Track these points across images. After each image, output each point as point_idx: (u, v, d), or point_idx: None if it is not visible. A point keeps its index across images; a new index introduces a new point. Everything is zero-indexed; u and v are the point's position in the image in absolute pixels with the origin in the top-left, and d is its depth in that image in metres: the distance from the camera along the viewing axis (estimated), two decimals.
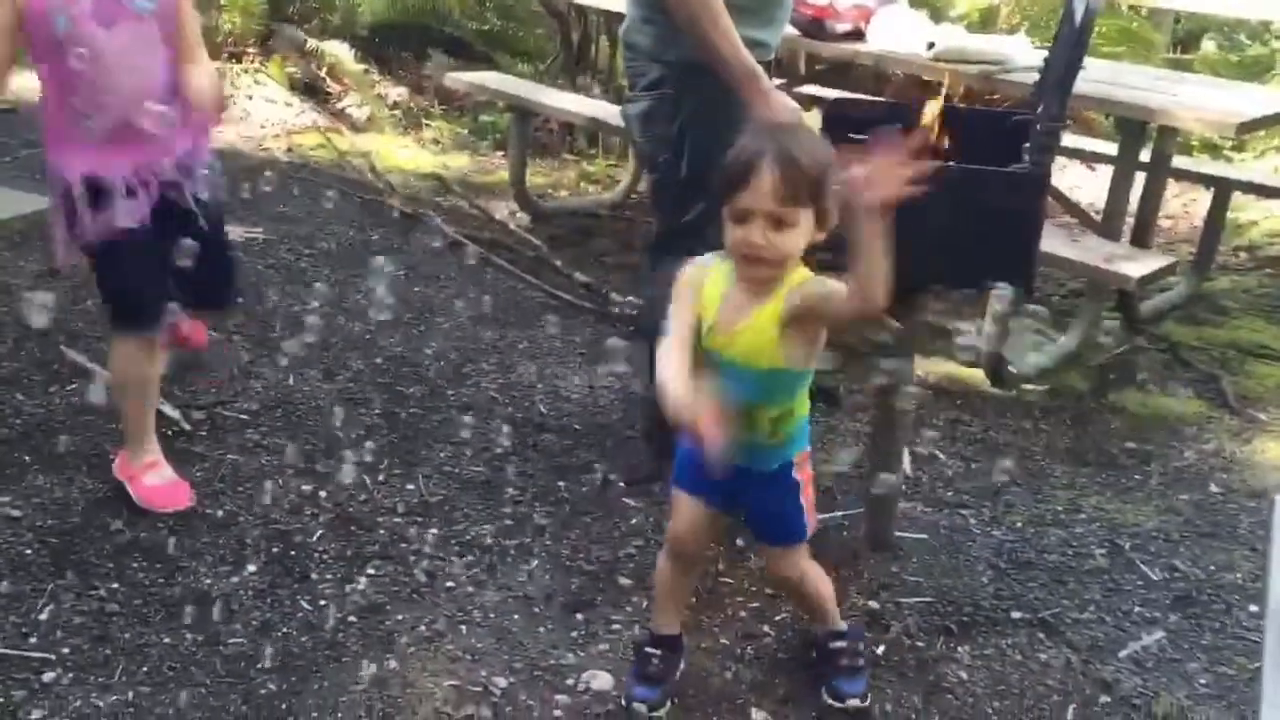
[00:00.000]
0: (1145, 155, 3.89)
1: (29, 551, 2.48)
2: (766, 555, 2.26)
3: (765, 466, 2.06)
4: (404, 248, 4.36)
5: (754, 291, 1.91)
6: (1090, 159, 5.00)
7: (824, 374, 3.47)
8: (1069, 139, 4.72)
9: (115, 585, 2.40)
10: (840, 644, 2.27)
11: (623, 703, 2.19)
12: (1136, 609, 2.58)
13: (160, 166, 2.50)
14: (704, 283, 1.95)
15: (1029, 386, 3.58)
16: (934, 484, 3.04)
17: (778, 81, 2.74)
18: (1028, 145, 2.41)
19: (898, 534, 2.76)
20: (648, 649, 2.23)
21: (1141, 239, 3.85)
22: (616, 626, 2.41)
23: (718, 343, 1.94)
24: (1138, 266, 3.38)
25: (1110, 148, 4.33)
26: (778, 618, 2.47)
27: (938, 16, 6.26)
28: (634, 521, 2.77)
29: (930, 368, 3.60)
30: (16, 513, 2.60)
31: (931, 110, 2.48)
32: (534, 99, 4.80)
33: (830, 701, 2.23)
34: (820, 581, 2.24)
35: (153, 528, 2.58)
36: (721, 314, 1.94)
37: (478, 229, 4.62)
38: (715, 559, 2.61)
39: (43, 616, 2.30)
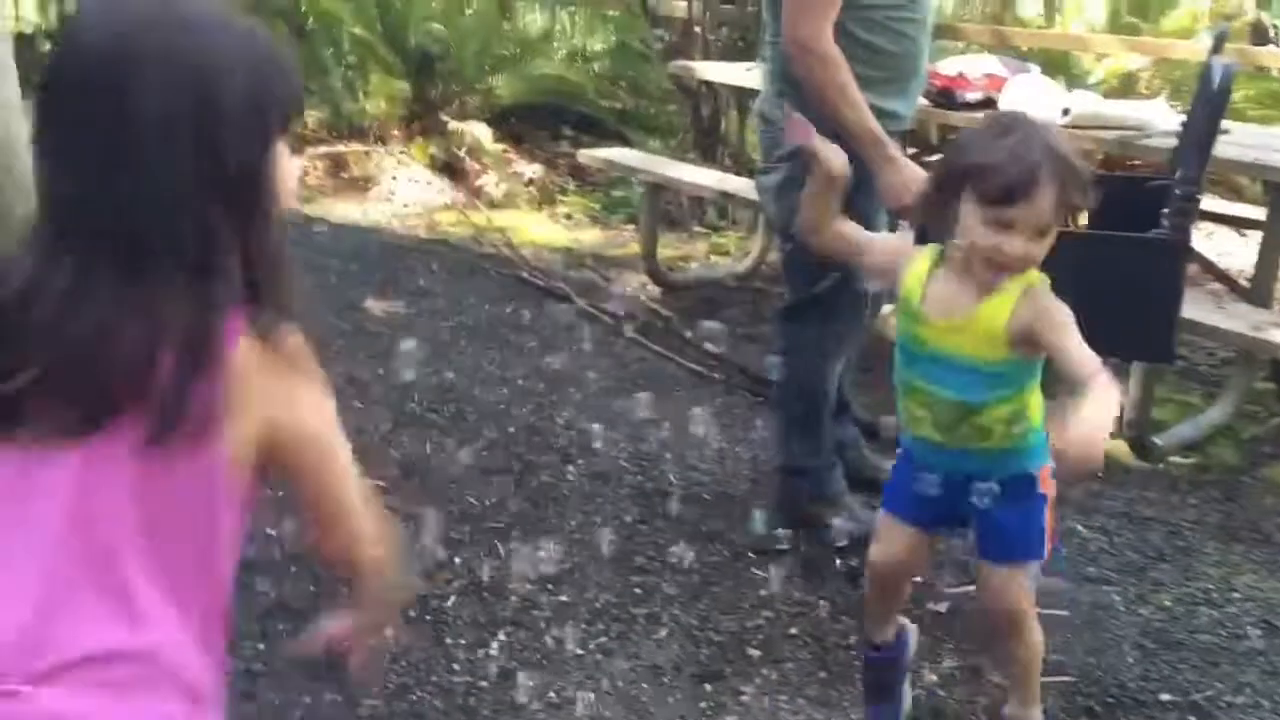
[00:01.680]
0: None
1: None
2: (986, 579, 2.06)
3: (1003, 472, 1.96)
4: (537, 320, 4.47)
5: (976, 285, 1.85)
6: (1240, 224, 4.84)
7: None
8: (1218, 204, 4.59)
9: (261, 646, 2.48)
10: None
11: None
12: None
13: None
14: (913, 264, 1.91)
15: (1175, 459, 3.45)
16: (1075, 559, 2.94)
17: (910, 151, 2.76)
18: (1165, 211, 2.36)
19: (1037, 610, 2.67)
20: (869, 655, 2.22)
21: None
22: (745, 698, 2.39)
23: (926, 331, 1.87)
24: None
25: (1259, 213, 4.18)
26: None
27: (1073, 83, 6.18)
28: (763, 593, 2.75)
29: None
30: None
31: None
32: (665, 173, 4.90)
33: None
34: (1037, 633, 2.10)
35: (296, 591, 2.67)
36: (930, 299, 1.87)
37: (609, 301, 4.70)
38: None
39: None
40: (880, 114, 2.52)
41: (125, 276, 1.04)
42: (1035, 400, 1.95)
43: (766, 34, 2.81)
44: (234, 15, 1.13)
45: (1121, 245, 2.28)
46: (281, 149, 1.14)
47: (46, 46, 9.63)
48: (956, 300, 1.87)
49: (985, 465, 1.97)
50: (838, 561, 2.88)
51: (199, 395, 1.02)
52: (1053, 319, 1.82)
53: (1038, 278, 1.87)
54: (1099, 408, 1.59)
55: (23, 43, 9.17)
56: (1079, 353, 1.75)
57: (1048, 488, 1.98)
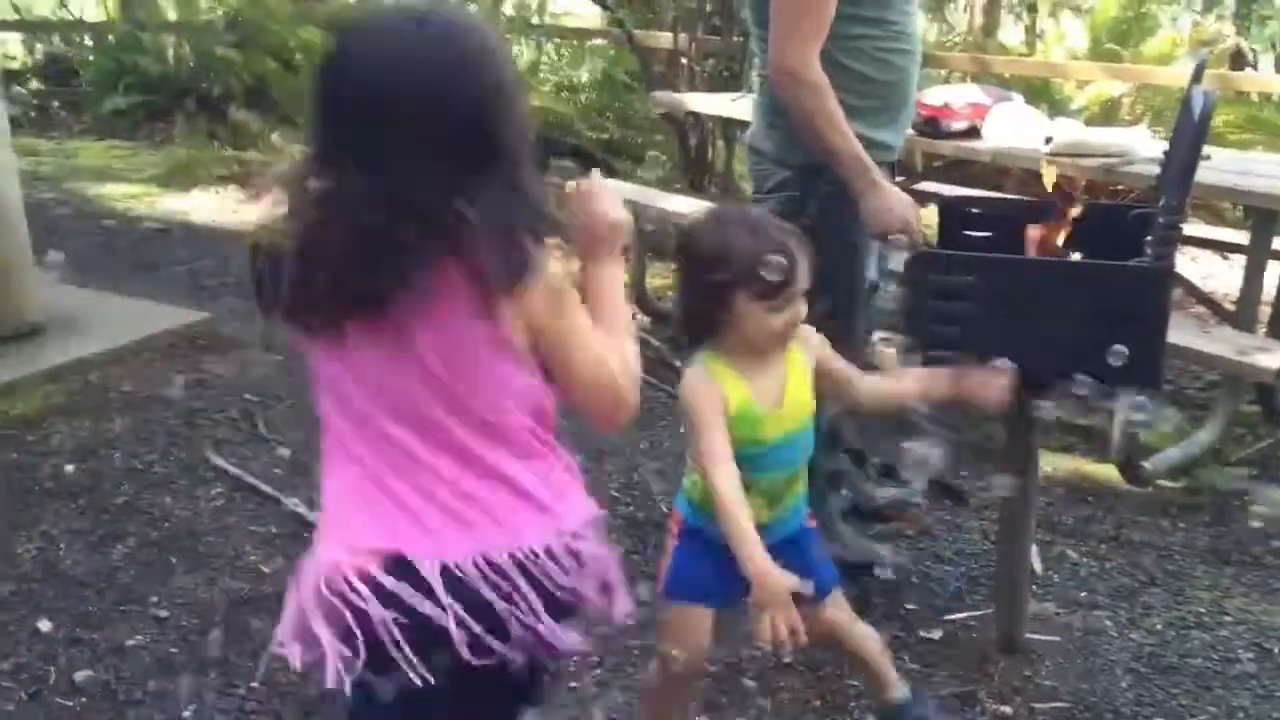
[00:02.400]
0: (1279, 243, 3.79)
1: (174, 650, 2.59)
2: (816, 614, 2.05)
3: (796, 524, 2.07)
4: None
5: (769, 362, 1.96)
6: (1223, 249, 4.89)
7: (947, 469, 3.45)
8: (1201, 229, 4.63)
9: (255, 684, 2.47)
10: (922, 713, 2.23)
11: None
12: None
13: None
14: (722, 391, 1.92)
15: (1164, 483, 3.47)
16: (1066, 584, 2.95)
17: (898, 179, 2.78)
18: (1149, 239, 2.38)
19: (1029, 635, 2.68)
20: None
21: (1278, 330, 3.74)
22: None
23: (772, 429, 1.94)
24: (1275, 358, 3.27)
25: (1243, 236, 4.23)
26: None
27: (1056, 110, 6.25)
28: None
29: (1058, 463, 3.52)
30: (164, 613, 2.71)
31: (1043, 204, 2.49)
32: (652, 204, 4.92)
33: None
34: (867, 627, 2.21)
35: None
36: (761, 401, 1.93)
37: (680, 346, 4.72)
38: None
39: (186, 714, 2.39)
40: (870, 144, 2.55)
41: None
42: None
43: (755, 66, 2.83)
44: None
45: (1107, 273, 2.30)
46: None
47: (34, 84, 9.72)
48: (774, 382, 1.96)
49: (793, 520, 2.06)
50: None
51: None
52: (810, 340, 2.03)
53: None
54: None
55: (11, 79, 9.24)
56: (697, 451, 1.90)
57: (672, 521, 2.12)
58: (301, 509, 3.05)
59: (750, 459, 1.91)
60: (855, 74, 2.56)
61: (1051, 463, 3.45)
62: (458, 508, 1.39)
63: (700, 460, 1.89)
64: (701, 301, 1.95)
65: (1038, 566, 2.95)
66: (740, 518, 1.83)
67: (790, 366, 1.98)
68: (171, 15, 9.75)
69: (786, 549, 1.98)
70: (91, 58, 9.63)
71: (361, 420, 1.40)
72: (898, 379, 2.17)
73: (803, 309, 1.93)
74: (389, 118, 1.29)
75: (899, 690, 2.20)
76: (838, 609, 2.14)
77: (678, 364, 4.25)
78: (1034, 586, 2.83)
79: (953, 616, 2.78)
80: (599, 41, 8.21)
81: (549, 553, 1.40)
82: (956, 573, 2.98)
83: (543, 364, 1.43)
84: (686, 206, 5.01)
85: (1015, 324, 2.27)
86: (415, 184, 1.29)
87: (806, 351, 2.01)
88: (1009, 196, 4.16)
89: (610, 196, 1.59)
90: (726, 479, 1.85)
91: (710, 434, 1.88)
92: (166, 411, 3.70)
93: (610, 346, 1.47)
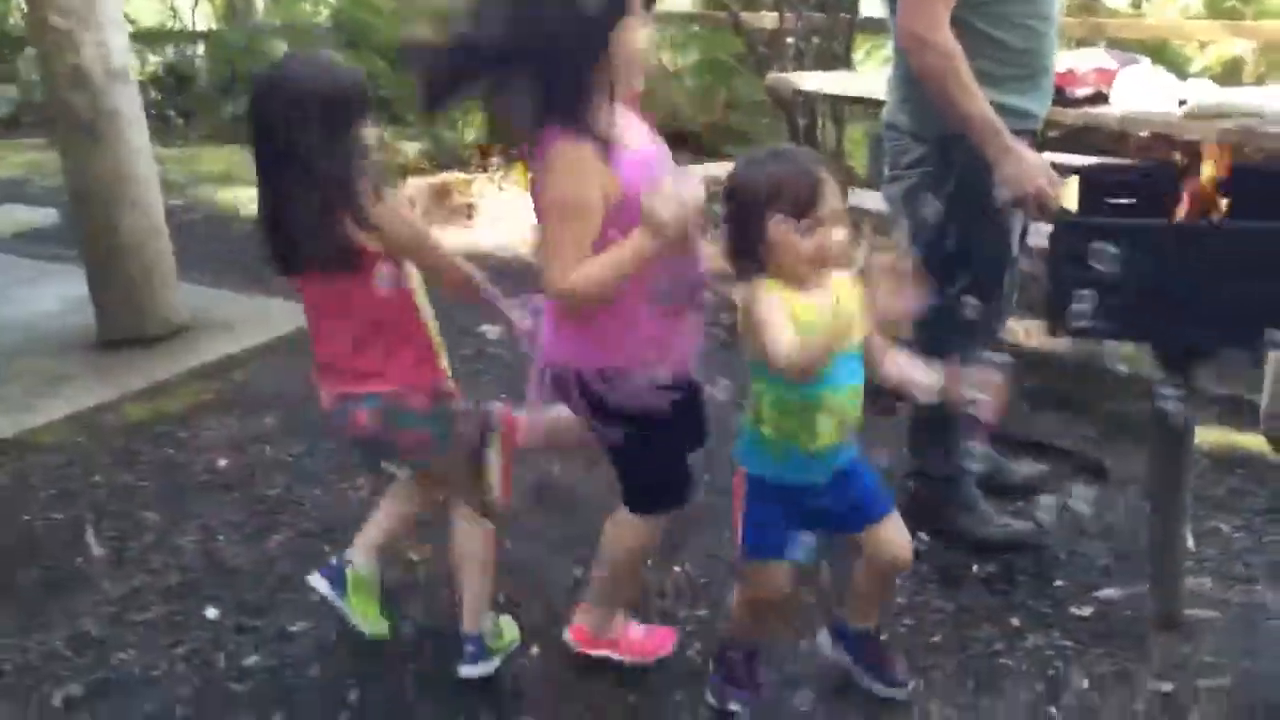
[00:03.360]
0: None
1: (334, 636, 2.67)
2: (877, 537, 2.20)
3: (851, 455, 2.17)
4: None
5: (815, 286, 2.00)
6: None
7: (1089, 443, 3.39)
8: None
9: (413, 667, 2.55)
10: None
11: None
12: None
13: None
14: (791, 311, 1.96)
15: None
16: (1221, 558, 2.88)
17: None
18: None
19: (1186, 611, 2.63)
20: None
21: None
22: (896, 711, 2.39)
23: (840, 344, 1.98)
24: None
25: None
26: None
27: (1177, 72, 6.05)
28: (901, 600, 2.74)
29: (1204, 435, 3.42)
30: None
31: (1207, 171, 2.42)
32: None
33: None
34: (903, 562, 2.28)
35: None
36: (820, 315, 1.96)
37: (712, 312, 4.72)
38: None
39: (351, 698, 2.48)
40: (1012, 112, 2.51)
41: None
42: None
43: (890, 41, 2.81)
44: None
45: (1266, 235, 2.23)
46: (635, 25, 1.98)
47: (151, 94, 10.06)
48: (823, 304, 1.98)
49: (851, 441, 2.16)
50: (974, 568, 2.86)
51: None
52: (751, 322, 1.99)
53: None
54: None
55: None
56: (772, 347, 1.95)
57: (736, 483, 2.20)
58: None
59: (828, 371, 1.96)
60: (995, 41, 2.53)
61: (1198, 434, 3.35)
62: None
63: (775, 351, 1.91)
64: (741, 233, 2.01)
65: (1190, 542, 2.88)
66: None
67: (838, 289, 2.01)
68: (277, 20, 10.00)
69: (843, 481, 2.13)
70: (206, 66, 9.92)
71: None
72: (885, 359, 2.14)
73: (838, 234, 1.97)
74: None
75: (870, 624, 2.39)
76: (899, 531, 2.22)
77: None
78: (1187, 562, 2.77)
79: (1103, 593, 2.74)
80: (700, 27, 8.17)
81: None
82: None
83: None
84: None
85: (1168, 292, 2.22)
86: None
87: (858, 284, 1.99)
88: (1150, 162, 4.04)
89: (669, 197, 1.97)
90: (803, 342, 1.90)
91: (780, 332, 1.92)
92: (312, 406, 3.78)
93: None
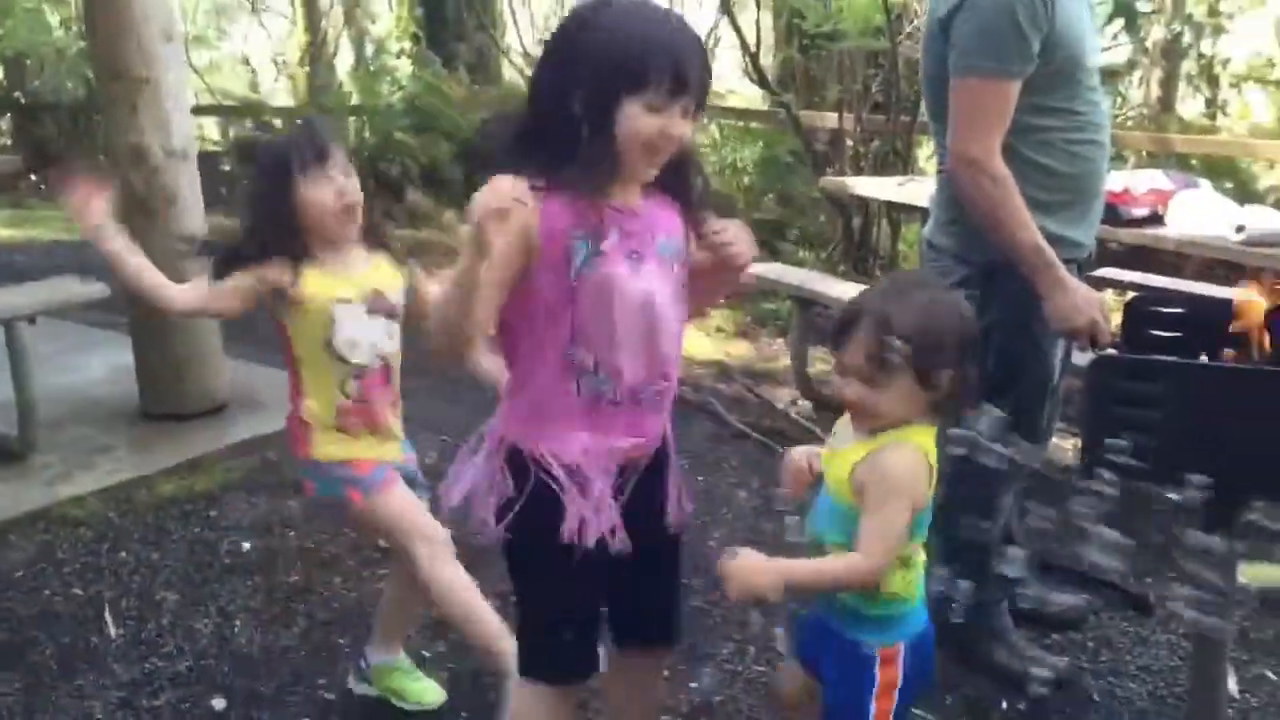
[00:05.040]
0: None
1: None
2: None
3: (841, 632, 1.86)
4: (687, 437, 4.46)
5: (861, 428, 1.84)
6: None
7: (1128, 578, 3.26)
8: None
9: None
10: None
11: None
12: None
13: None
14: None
15: None
16: (1266, 709, 2.74)
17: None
18: None
19: None
20: None
21: None
22: None
23: (825, 456, 1.90)
24: None
25: None
26: None
27: (1243, 191, 5.96)
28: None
29: (1256, 574, 3.28)
30: (331, 696, 2.76)
31: (1256, 308, 2.34)
32: (815, 289, 4.87)
33: None
34: None
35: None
36: (839, 433, 1.90)
37: (760, 417, 4.67)
38: None
39: None
40: (1059, 241, 2.46)
41: None
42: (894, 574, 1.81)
43: (937, 159, 2.79)
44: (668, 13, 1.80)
45: None
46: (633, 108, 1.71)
47: (225, 165, 10.34)
48: (844, 437, 1.88)
49: (829, 619, 1.89)
50: (1004, 704, 2.74)
51: None
52: (878, 487, 1.76)
53: (917, 440, 1.80)
54: (802, 568, 1.80)
55: (205, 160, 9.84)
56: (866, 530, 1.75)
57: (884, 671, 1.83)
58: None
59: (922, 524, 1.84)
60: (1042, 167, 2.49)
61: (1247, 571, 3.22)
62: None
63: (883, 545, 1.75)
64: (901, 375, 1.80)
65: (1234, 689, 2.75)
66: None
67: (861, 443, 1.86)
68: (355, 99, 10.27)
69: (833, 647, 1.88)
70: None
71: None
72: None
73: (856, 389, 1.84)
74: None
75: None
76: None
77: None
78: (1229, 710, 2.63)
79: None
80: (761, 125, 8.24)
81: None
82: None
83: None
84: (848, 291, 4.95)
85: (1207, 437, 2.13)
86: None
87: (868, 465, 1.83)
88: (1203, 292, 3.94)
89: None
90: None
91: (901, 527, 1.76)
92: None
93: None
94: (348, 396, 2.40)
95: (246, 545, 3.50)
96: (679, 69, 1.70)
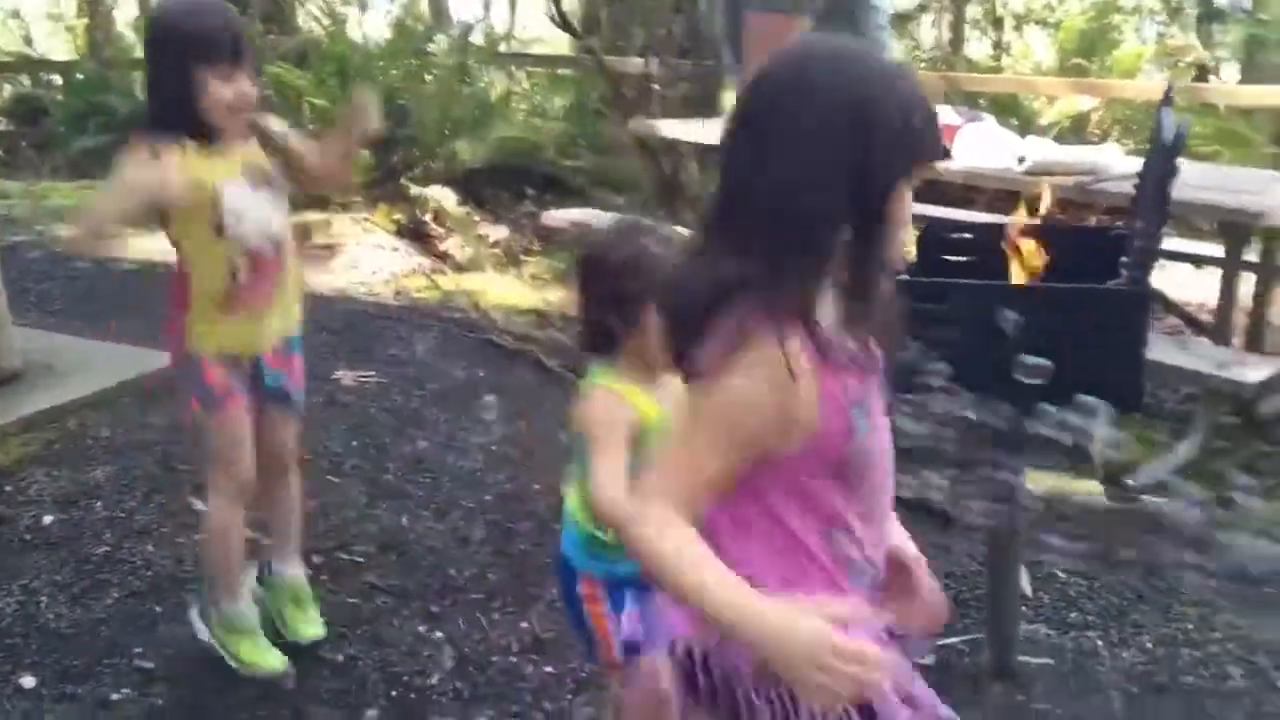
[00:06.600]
0: (1252, 254, 3.83)
1: (160, 702, 2.56)
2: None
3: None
4: (509, 383, 4.46)
5: (659, 377, 1.86)
6: (1196, 261, 4.93)
7: (933, 491, 3.46)
8: (1174, 243, 4.66)
9: None
10: None
11: None
12: None
13: None
14: (633, 412, 1.88)
15: (1148, 497, 3.48)
16: (1056, 604, 2.96)
17: None
18: (1124, 260, 2.40)
19: (1021, 658, 2.68)
20: None
21: (1255, 343, 3.77)
22: None
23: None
24: (1254, 372, 3.30)
25: (1215, 249, 4.27)
26: None
27: (1026, 126, 6.30)
28: None
29: (1041, 480, 3.52)
30: (149, 664, 2.68)
31: (1018, 227, 2.49)
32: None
33: None
34: None
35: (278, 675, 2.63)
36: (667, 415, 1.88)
37: (577, 360, 4.71)
38: None
39: None
40: None
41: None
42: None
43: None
44: (894, 62, 1.45)
45: (1085, 296, 2.31)
46: (906, 190, 1.31)
47: (1, 125, 9.67)
48: (665, 399, 1.88)
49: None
50: None
51: None
52: (587, 429, 1.87)
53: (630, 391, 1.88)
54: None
55: None
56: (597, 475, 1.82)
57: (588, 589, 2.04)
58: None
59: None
60: None
61: (1034, 480, 3.45)
62: None
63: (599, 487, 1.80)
64: (605, 313, 1.90)
65: (1026, 588, 2.95)
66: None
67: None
68: (138, 53, 9.72)
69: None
70: (60, 97, 9.58)
71: None
72: None
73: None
74: None
75: None
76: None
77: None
78: (1023, 608, 2.84)
79: (944, 641, 2.78)
80: (569, 71, 8.21)
81: None
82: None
83: None
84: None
85: (994, 350, 2.27)
86: None
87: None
88: (989, 218, 4.17)
89: None
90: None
91: (617, 461, 1.81)
92: (146, 457, 3.66)
93: None
94: (235, 279, 2.44)
95: (49, 519, 3.32)
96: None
